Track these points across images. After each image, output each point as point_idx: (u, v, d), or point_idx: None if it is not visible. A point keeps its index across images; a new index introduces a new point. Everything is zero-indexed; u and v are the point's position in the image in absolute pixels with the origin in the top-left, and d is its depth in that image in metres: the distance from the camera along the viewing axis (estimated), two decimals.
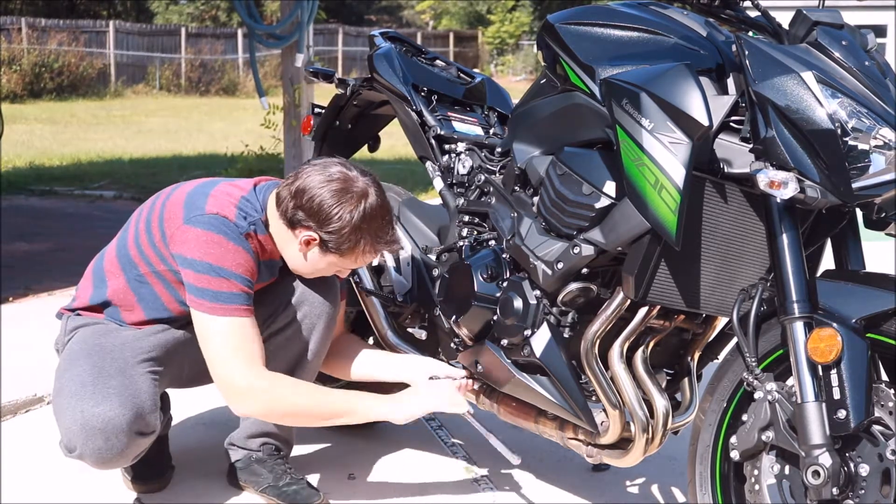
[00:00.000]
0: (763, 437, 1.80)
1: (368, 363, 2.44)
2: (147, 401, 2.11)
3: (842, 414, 1.68)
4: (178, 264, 2.13)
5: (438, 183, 2.47)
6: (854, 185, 1.68)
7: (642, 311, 1.94)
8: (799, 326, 1.74)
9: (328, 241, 2.13)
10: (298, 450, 2.65)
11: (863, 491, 1.69)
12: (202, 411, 2.94)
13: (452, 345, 2.32)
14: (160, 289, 2.23)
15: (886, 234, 1.85)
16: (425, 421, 2.94)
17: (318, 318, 2.33)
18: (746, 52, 1.77)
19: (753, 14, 1.90)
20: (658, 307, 1.93)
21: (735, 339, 1.85)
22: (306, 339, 2.33)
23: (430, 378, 2.30)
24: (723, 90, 1.87)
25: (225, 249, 2.10)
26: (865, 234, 1.91)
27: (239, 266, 2.11)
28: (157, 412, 2.15)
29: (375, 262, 2.64)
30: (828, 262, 1.96)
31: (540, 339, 2.04)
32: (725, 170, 1.83)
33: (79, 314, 2.29)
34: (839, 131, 1.68)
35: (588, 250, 1.93)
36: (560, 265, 1.98)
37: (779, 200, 1.76)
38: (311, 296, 2.32)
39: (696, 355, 2.15)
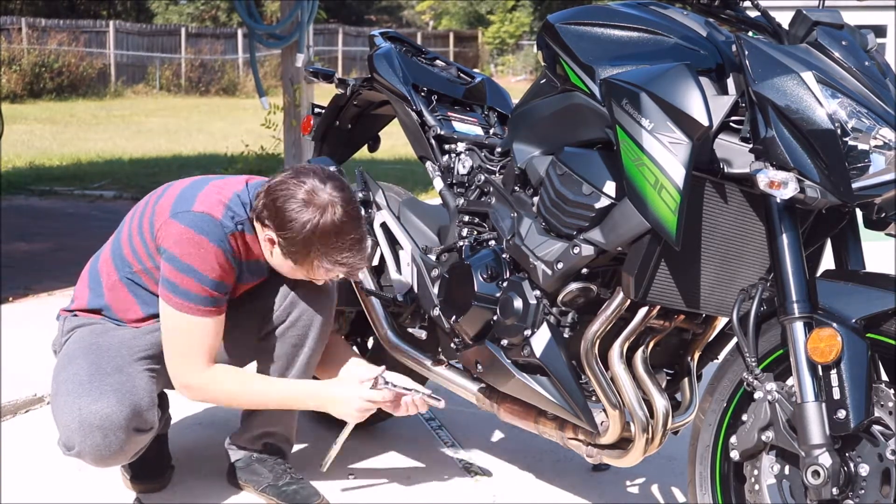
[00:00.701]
0: (763, 437, 1.80)
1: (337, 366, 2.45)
2: (144, 397, 2.13)
3: (842, 414, 1.68)
4: (160, 256, 2.16)
5: (438, 183, 2.47)
6: (854, 185, 1.68)
7: (642, 311, 1.94)
8: (799, 326, 1.74)
9: (283, 245, 2.15)
10: (298, 450, 2.65)
11: (863, 491, 1.69)
12: (201, 411, 2.94)
13: (452, 345, 2.32)
14: (154, 285, 2.23)
15: (886, 234, 1.85)
16: (425, 421, 2.94)
17: (313, 317, 2.33)
18: (746, 52, 1.77)
19: (753, 14, 1.90)
20: (658, 307, 1.93)
21: (735, 339, 1.85)
22: (301, 340, 2.33)
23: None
24: (723, 90, 1.87)
25: (204, 251, 2.12)
26: (865, 234, 1.91)
27: (214, 271, 2.13)
28: (155, 409, 2.17)
29: (375, 263, 2.64)
30: (828, 262, 1.96)
31: (540, 339, 2.04)
32: (725, 170, 1.83)
33: (76, 315, 2.30)
34: (839, 131, 1.68)
35: (588, 250, 1.93)
36: (560, 265, 1.98)
37: (779, 200, 1.76)
38: (306, 295, 2.32)
39: (696, 355, 2.15)
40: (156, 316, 2.26)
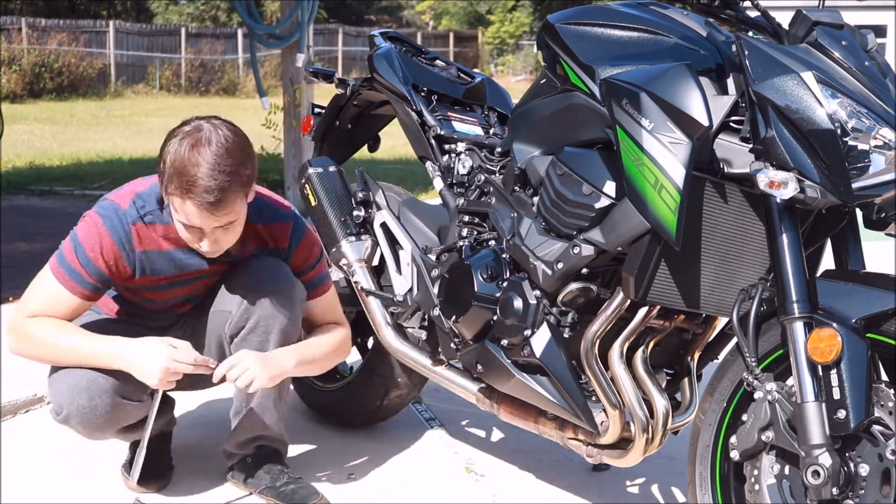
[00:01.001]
0: (763, 437, 1.80)
1: None
2: None
3: (842, 414, 1.68)
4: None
5: (438, 183, 2.47)
6: (854, 185, 1.68)
7: (642, 311, 1.94)
8: (799, 326, 1.74)
9: (164, 189, 2.10)
10: (298, 450, 2.65)
11: (863, 491, 1.69)
12: (202, 411, 2.94)
13: (452, 345, 2.32)
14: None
15: (886, 234, 1.85)
16: (425, 421, 2.94)
17: (271, 323, 2.27)
18: (746, 52, 1.77)
19: (753, 14, 1.90)
20: (658, 307, 1.93)
21: (735, 339, 1.85)
22: (262, 345, 2.28)
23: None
24: (723, 90, 1.87)
25: (95, 233, 2.16)
26: (865, 234, 1.91)
27: (97, 256, 2.15)
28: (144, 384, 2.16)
29: (375, 263, 2.64)
30: (828, 262, 1.96)
31: (540, 339, 2.04)
32: (725, 170, 1.83)
33: None
34: (839, 131, 1.68)
35: (588, 250, 1.93)
36: (560, 265, 1.98)
37: (779, 200, 1.76)
38: (263, 300, 2.27)
39: (696, 355, 2.15)
40: (130, 313, 2.32)
